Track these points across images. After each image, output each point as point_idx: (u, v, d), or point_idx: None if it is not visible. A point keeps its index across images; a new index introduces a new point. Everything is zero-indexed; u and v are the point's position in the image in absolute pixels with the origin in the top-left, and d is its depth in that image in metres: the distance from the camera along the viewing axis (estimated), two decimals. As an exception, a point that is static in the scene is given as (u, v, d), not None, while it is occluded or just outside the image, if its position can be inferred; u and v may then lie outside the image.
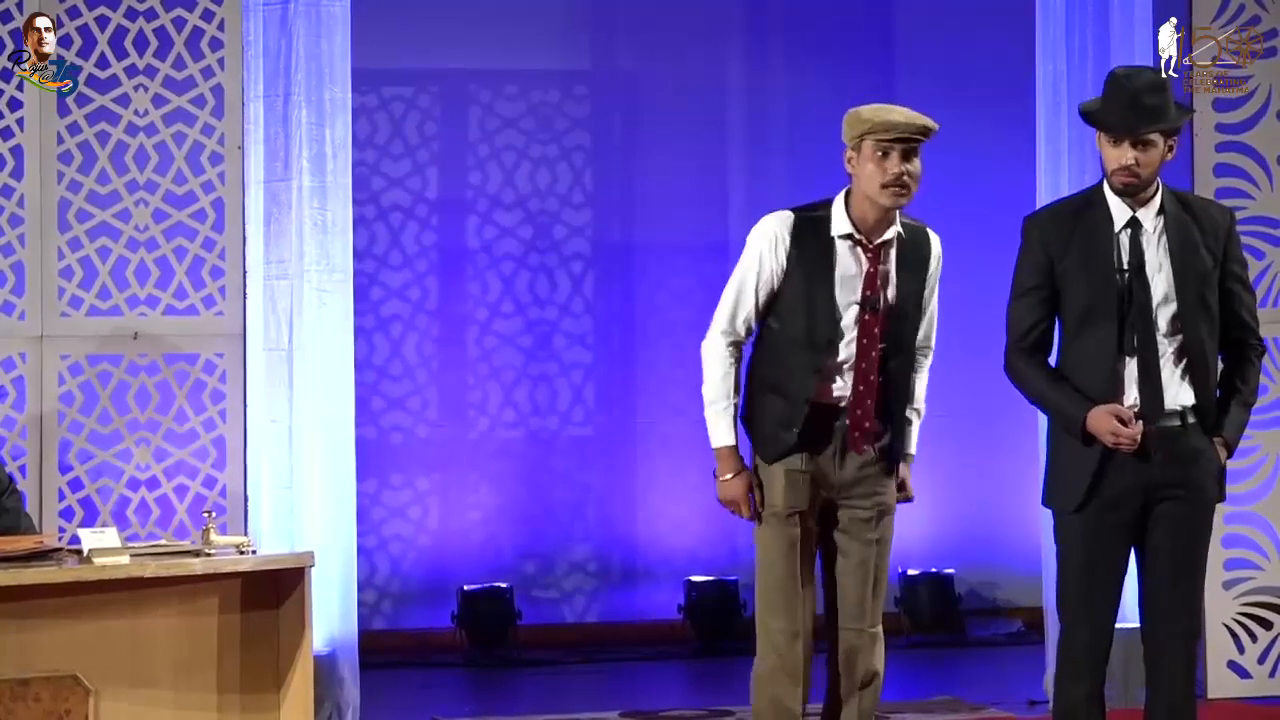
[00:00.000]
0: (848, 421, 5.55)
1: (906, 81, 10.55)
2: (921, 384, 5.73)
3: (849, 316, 5.52)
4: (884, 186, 5.46)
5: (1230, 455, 5.38)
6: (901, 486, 5.71)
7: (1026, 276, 5.39)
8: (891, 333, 5.55)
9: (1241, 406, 5.36)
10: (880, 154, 5.45)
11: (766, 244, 5.56)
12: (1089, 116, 5.34)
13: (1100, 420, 5.21)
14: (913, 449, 5.74)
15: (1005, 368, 5.43)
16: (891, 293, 5.55)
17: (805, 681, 5.62)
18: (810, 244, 5.54)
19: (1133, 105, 5.23)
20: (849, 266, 5.53)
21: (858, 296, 5.51)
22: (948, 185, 10.42)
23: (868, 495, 5.61)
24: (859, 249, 5.53)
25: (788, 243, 5.55)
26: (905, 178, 5.46)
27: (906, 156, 5.46)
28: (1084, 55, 7.95)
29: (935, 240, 5.66)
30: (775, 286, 5.56)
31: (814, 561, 5.68)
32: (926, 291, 5.64)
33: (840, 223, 5.54)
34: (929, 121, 5.50)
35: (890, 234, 5.56)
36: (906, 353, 5.62)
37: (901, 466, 5.70)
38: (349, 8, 7.59)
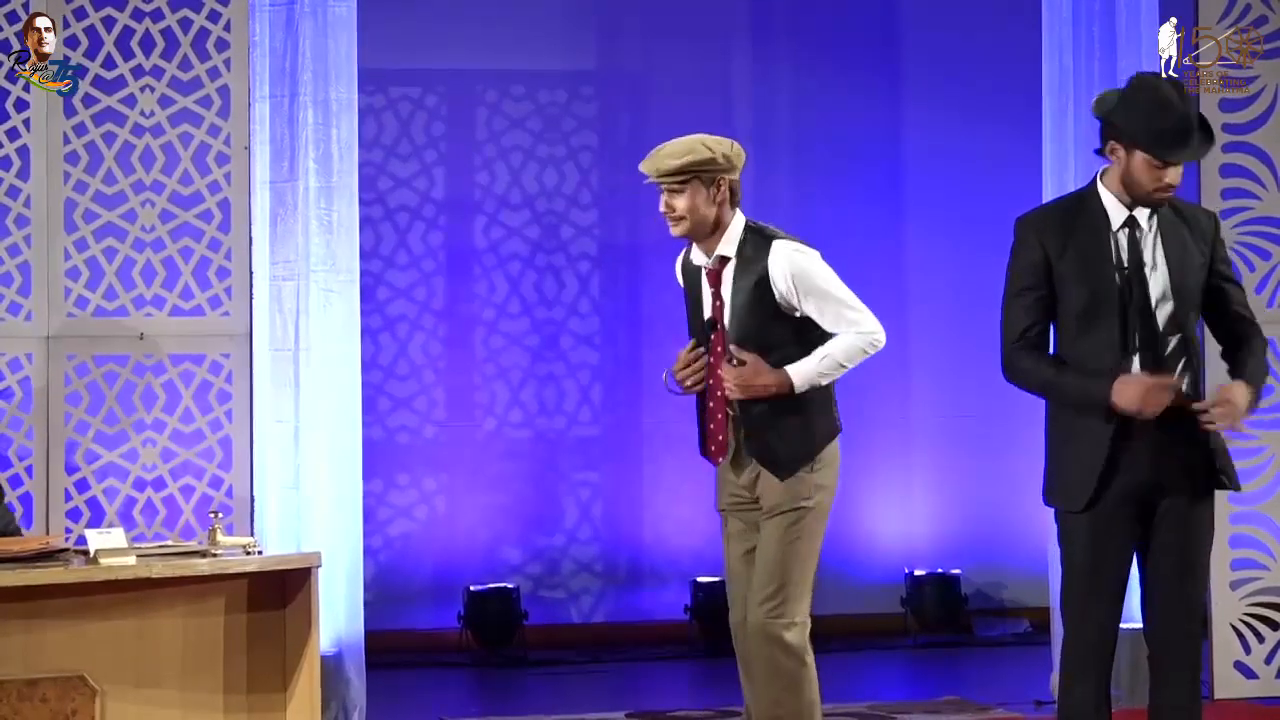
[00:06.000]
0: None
1: (912, 82, 10.55)
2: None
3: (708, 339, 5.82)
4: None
5: (1255, 400, 5.29)
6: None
7: (1022, 277, 5.35)
8: (733, 345, 5.72)
9: (1258, 361, 5.29)
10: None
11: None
12: (1143, 144, 5.22)
13: (1130, 387, 5.16)
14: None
15: (1003, 369, 5.39)
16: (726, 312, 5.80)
17: None
18: (690, 279, 5.93)
19: (1199, 130, 5.22)
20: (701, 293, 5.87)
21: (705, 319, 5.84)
22: (953, 185, 10.45)
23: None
24: (703, 274, 5.86)
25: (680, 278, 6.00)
26: (669, 212, 5.74)
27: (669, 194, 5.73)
28: (1090, 54, 7.95)
29: (775, 247, 5.71)
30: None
31: None
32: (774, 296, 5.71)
33: (696, 254, 5.88)
34: (661, 164, 5.69)
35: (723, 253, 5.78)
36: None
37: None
38: (355, 8, 7.59)
